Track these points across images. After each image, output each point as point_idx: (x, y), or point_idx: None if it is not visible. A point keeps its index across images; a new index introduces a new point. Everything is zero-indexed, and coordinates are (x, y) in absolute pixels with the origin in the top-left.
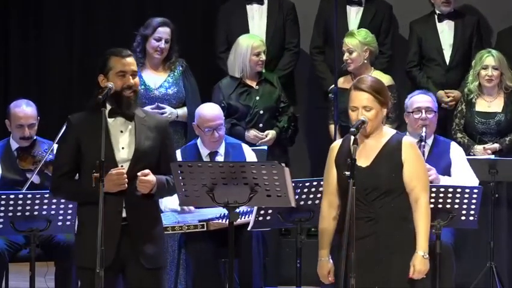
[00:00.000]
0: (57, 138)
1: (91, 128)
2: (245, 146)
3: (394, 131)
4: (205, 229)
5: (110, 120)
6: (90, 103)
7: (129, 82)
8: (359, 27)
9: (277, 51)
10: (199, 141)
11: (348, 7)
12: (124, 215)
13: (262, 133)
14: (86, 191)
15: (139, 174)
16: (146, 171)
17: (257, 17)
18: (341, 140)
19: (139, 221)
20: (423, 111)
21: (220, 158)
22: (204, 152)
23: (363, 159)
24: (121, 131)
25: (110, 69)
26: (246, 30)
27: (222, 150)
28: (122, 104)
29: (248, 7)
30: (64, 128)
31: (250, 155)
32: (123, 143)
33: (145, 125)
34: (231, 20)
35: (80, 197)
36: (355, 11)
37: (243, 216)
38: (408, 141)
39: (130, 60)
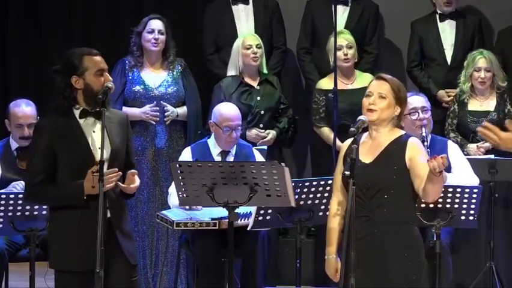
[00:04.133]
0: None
1: (64, 131)
2: (255, 150)
3: (403, 132)
4: (217, 227)
5: (81, 121)
6: (54, 105)
7: (108, 79)
8: (345, 27)
9: (266, 51)
10: (210, 140)
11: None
12: (108, 215)
13: (263, 131)
14: (68, 195)
15: (129, 172)
16: (134, 171)
17: (244, 17)
18: (352, 138)
19: (120, 220)
20: (420, 111)
21: (231, 158)
22: (215, 150)
23: (368, 156)
24: (93, 131)
25: (87, 69)
26: (233, 30)
27: (233, 150)
28: (104, 102)
29: (234, 7)
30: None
31: (259, 159)
32: (99, 142)
33: (112, 122)
34: (217, 21)
35: (61, 201)
36: (341, 10)
37: (246, 218)
38: (413, 140)
39: (101, 58)
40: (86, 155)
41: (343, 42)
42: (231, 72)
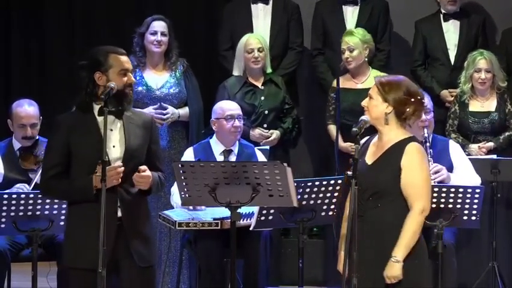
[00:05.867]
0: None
1: (81, 127)
2: (257, 150)
3: (409, 135)
4: (219, 227)
5: (99, 119)
6: (77, 101)
7: (131, 80)
8: (356, 27)
9: (281, 51)
10: (212, 140)
11: (344, 7)
12: (119, 214)
13: (267, 131)
14: (79, 190)
15: (140, 168)
16: (144, 167)
17: (261, 16)
18: (367, 137)
19: (133, 220)
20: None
21: (233, 157)
22: (218, 150)
23: (371, 157)
24: (111, 129)
25: (111, 67)
26: (249, 29)
27: (236, 149)
28: (124, 101)
29: (253, 6)
30: (52, 129)
31: (262, 159)
32: (114, 141)
33: (133, 123)
34: (235, 19)
35: (72, 196)
36: (351, 10)
37: (248, 218)
38: (411, 147)
39: (127, 58)
40: (100, 152)
41: (344, 45)
42: (235, 71)
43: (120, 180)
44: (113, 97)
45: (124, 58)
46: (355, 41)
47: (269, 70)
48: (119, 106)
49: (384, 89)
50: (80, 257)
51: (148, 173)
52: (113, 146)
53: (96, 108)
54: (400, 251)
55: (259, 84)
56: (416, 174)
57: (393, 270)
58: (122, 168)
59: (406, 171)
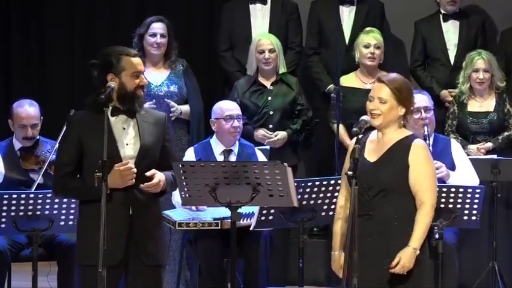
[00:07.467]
0: (60, 138)
1: (93, 126)
2: (257, 149)
3: (410, 133)
4: (219, 227)
5: (112, 118)
6: (90, 100)
7: (143, 82)
8: (352, 27)
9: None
10: (212, 139)
11: (340, 7)
12: (130, 212)
13: (271, 133)
14: (91, 189)
15: (147, 174)
16: (152, 171)
17: (260, 16)
18: (361, 135)
19: (144, 219)
20: (422, 110)
21: (233, 157)
22: (218, 149)
23: (373, 155)
24: (124, 128)
25: (123, 70)
26: (248, 29)
27: (236, 149)
28: (136, 102)
29: (251, 6)
30: (65, 127)
31: (262, 159)
32: (127, 139)
33: (146, 121)
34: (233, 19)
35: (84, 195)
36: (348, 10)
37: (249, 218)
38: (418, 144)
39: (139, 60)
40: (112, 151)
41: (371, 41)
42: (248, 71)
43: (134, 180)
44: (126, 97)
45: (137, 60)
46: (380, 40)
47: (282, 70)
48: (130, 106)
49: (401, 93)
50: (93, 255)
51: (157, 178)
52: (127, 144)
53: (109, 108)
54: (417, 241)
55: (268, 84)
56: (424, 170)
57: (410, 257)
58: (131, 166)
59: (415, 168)
